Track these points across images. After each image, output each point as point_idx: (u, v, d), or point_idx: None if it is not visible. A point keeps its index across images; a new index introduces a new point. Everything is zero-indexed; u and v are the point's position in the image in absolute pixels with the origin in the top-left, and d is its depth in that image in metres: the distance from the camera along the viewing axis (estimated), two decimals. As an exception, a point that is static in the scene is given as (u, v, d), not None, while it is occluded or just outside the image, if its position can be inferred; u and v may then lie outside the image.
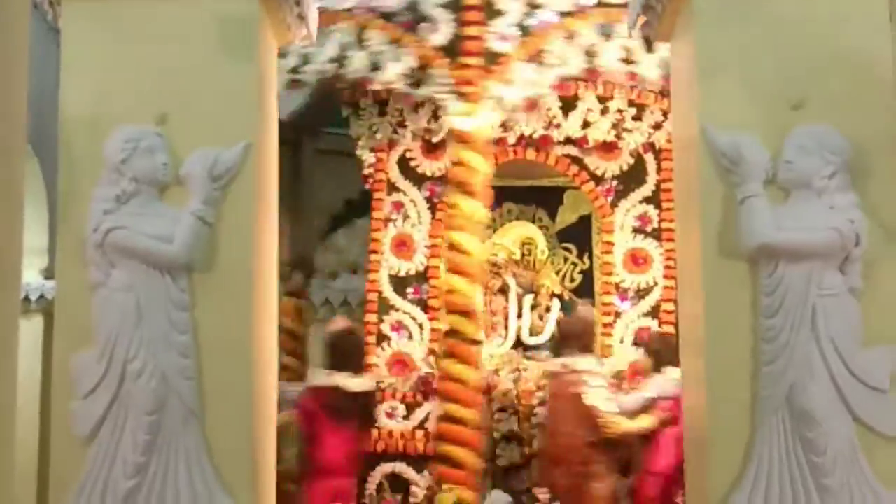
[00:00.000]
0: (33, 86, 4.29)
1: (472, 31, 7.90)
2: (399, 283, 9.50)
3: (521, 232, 10.15)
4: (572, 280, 10.26)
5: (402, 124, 9.39)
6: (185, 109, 5.79)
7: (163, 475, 5.55)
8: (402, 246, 9.54)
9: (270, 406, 6.11)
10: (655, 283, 9.40)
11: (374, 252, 9.51)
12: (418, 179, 9.64)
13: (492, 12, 8.35)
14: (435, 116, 9.22)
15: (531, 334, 9.73)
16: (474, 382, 7.93)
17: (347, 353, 7.82)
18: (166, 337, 5.59)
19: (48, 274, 9.33)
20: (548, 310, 9.83)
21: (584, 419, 7.98)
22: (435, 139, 9.38)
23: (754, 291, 5.54)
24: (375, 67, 8.43)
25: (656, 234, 9.47)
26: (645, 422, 8.09)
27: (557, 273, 10.22)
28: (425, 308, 9.44)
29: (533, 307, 9.85)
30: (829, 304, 5.50)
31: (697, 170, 5.71)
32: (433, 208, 9.58)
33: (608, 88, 9.11)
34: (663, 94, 8.86)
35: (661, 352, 8.43)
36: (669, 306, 9.18)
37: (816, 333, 5.48)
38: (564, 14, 8.21)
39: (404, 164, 9.64)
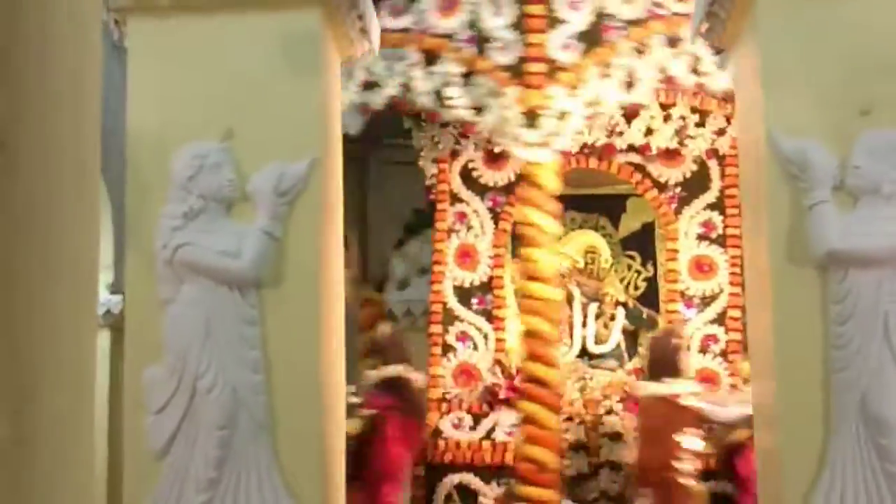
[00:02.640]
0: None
1: (535, 50, 7.71)
2: (463, 294, 9.50)
3: (585, 240, 10.14)
4: (636, 288, 10.24)
5: (463, 135, 9.40)
6: (251, 125, 5.81)
7: (234, 490, 5.57)
8: (466, 256, 9.55)
9: (339, 420, 6.12)
10: (721, 290, 9.35)
11: (438, 263, 9.53)
12: (481, 190, 9.65)
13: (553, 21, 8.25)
14: (497, 126, 9.21)
15: (596, 343, 9.70)
16: (555, 384, 7.86)
17: (400, 349, 7.89)
18: (236, 352, 5.62)
19: (114, 289, 9.41)
20: (612, 318, 9.81)
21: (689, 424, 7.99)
22: (497, 149, 9.37)
23: (824, 299, 5.50)
24: (440, 94, 8.21)
25: (721, 241, 9.43)
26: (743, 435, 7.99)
27: (622, 281, 10.20)
28: (490, 318, 9.45)
29: (598, 316, 9.83)
30: (901, 311, 5.45)
31: (764, 176, 5.67)
32: (496, 218, 9.58)
33: (671, 95, 9.06)
34: (726, 99, 8.78)
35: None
36: (736, 313, 9.13)
37: (889, 341, 5.42)
38: (632, 23, 8.04)
39: (467, 175, 9.66)
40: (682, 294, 9.47)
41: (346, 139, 6.55)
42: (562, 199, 9.77)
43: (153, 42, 5.91)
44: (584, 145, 9.31)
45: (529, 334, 7.90)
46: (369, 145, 11.75)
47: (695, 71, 7.92)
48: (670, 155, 9.43)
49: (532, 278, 7.94)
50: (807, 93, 5.66)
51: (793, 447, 5.49)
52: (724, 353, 9.11)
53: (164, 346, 5.67)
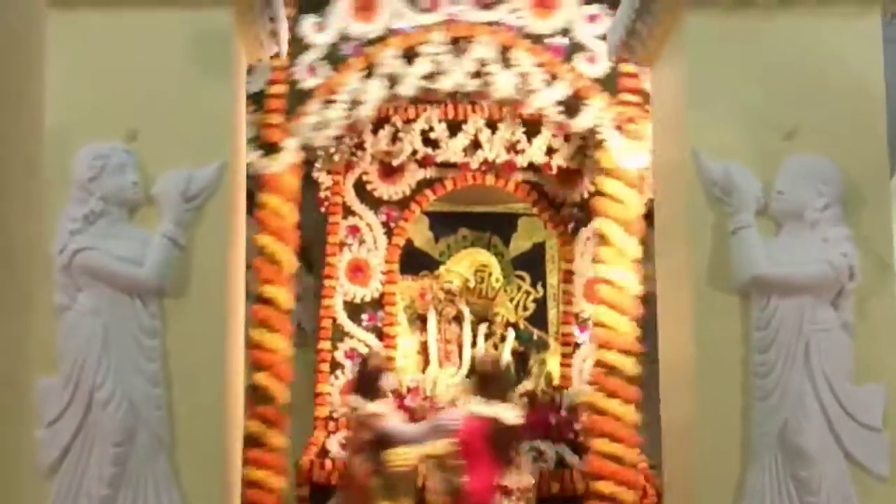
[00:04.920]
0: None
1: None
2: (354, 310, 9.30)
3: (476, 258, 9.97)
4: (525, 309, 10.10)
5: (360, 146, 9.19)
6: (157, 126, 5.59)
7: (130, 509, 5.31)
8: (358, 271, 9.35)
9: (239, 436, 5.88)
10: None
11: (329, 277, 9.30)
12: (375, 203, 9.45)
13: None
14: (394, 139, 9.04)
15: (484, 364, 9.54)
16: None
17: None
18: (135, 364, 5.38)
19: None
20: (503, 339, 9.67)
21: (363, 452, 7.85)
22: (395, 162, 9.20)
23: (745, 325, 5.42)
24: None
25: (618, 264, 9.32)
26: (437, 448, 7.94)
27: (511, 301, 10.06)
28: (380, 336, 9.25)
29: (487, 336, 9.68)
30: (822, 340, 5.40)
31: (685, 199, 5.59)
32: (390, 233, 9.40)
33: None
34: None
35: (489, 379, 8.28)
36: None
37: (809, 369, 5.37)
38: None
39: (361, 188, 9.46)
40: (577, 316, 9.37)
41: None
42: (454, 216, 9.73)
43: (67, 36, 5.63)
44: (484, 161, 9.15)
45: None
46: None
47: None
48: (569, 175, 9.32)
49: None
50: (732, 114, 5.61)
51: (709, 476, 5.40)
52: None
53: (59, 355, 5.37)
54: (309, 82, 7.78)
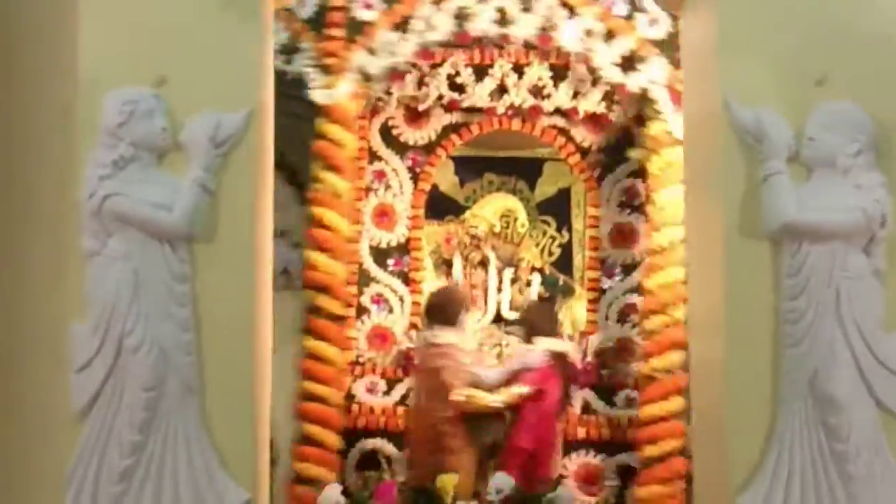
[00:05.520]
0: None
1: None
2: (380, 255, 9.27)
3: (502, 203, 9.90)
4: (551, 254, 10.06)
5: (386, 91, 9.13)
6: (185, 72, 5.57)
7: (160, 454, 5.34)
8: (384, 216, 9.31)
9: (268, 381, 5.89)
10: (642, 259, 9.22)
11: (355, 222, 9.26)
12: (401, 148, 9.40)
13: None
14: (420, 84, 8.99)
15: (511, 309, 9.53)
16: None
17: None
18: (165, 310, 5.38)
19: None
20: (528, 284, 9.64)
21: (438, 394, 8.01)
22: (421, 107, 9.15)
23: (776, 272, 5.41)
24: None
25: (643, 209, 9.28)
26: (503, 395, 8.11)
27: (537, 246, 10.02)
28: (406, 280, 9.23)
29: (513, 281, 9.65)
30: (853, 287, 5.39)
31: (717, 146, 5.56)
32: (415, 178, 9.35)
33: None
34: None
35: (536, 322, 8.55)
36: (656, 282, 9.03)
37: (840, 316, 5.36)
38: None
39: (386, 133, 9.40)
40: (603, 262, 9.33)
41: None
42: (480, 161, 9.67)
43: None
44: (510, 106, 9.10)
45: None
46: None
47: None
48: (596, 119, 9.26)
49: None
50: (763, 62, 5.57)
51: (739, 424, 5.42)
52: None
53: (89, 301, 5.38)
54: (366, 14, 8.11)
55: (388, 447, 8.55)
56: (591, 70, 8.72)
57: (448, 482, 6.02)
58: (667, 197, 8.13)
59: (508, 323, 9.38)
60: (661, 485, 7.86)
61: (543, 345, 8.12)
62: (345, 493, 6.48)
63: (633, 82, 8.16)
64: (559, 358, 8.16)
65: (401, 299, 9.14)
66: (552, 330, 8.48)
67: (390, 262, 9.22)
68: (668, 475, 7.90)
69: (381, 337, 9.02)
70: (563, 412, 8.35)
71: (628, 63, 8.23)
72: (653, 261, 8.41)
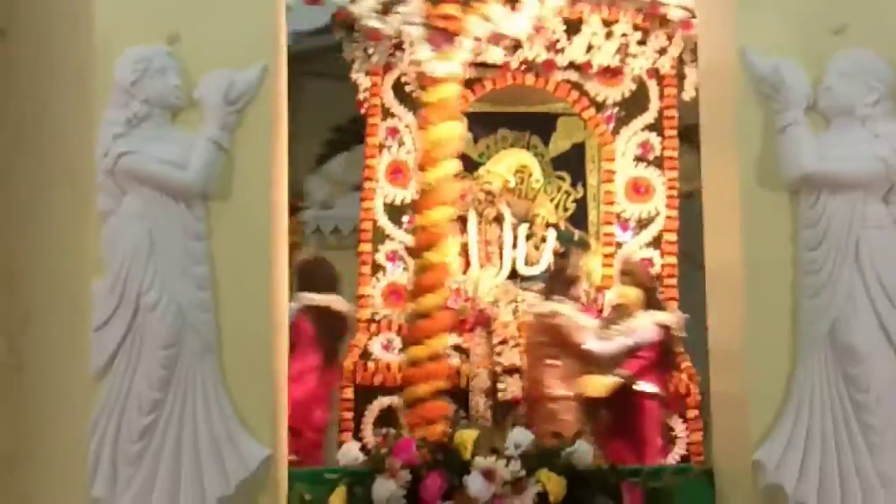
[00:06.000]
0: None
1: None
2: (394, 212, 9.24)
3: (516, 159, 9.85)
4: (566, 209, 10.03)
5: (398, 47, 9.09)
6: (197, 29, 5.53)
7: (180, 411, 5.34)
8: (398, 173, 9.27)
9: (284, 339, 5.88)
10: (658, 213, 9.18)
11: (369, 179, 9.23)
12: (413, 105, 9.36)
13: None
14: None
15: (527, 264, 9.51)
16: None
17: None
18: (181, 268, 5.37)
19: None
20: (543, 240, 9.61)
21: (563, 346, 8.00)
22: (434, 63, 9.11)
23: (795, 223, 5.39)
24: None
25: (658, 163, 9.25)
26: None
27: (552, 201, 9.98)
28: (421, 237, 9.21)
29: (528, 237, 9.61)
30: (872, 236, 5.38)
31: (732, 97, 5.53)
32: (429, 135, 9.32)
33: (613, 12, 8.84)
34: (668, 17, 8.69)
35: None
36: (672, 237, 8.98)
37: (860, 267, 5.35)
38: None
39: (399, 89, 9.36)
40: (618, 216, 9.29)
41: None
42: (493, 116, 9.62)
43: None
44: (523, 61, 9.05)
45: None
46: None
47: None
48: (609, 73, 9.20)
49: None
50: (780, 10, 5.55)
51: (758, 376, 5.41)
52: (659, 277, 8.94)
53: (106, 259, 5.38)
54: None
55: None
56: (606, 23, 8.69)
57: (467, 437, 5.98)
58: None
59: (524, 279, 9.35)
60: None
61: (653, 318, 8.00)
62: (363, 449, 6.45)
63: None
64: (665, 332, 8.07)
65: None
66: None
67: (405, 218, 9.17)
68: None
69: (396, 294, 8.99)
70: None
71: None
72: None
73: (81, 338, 5.40)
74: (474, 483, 5.79)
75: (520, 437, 6.04)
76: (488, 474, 5.81)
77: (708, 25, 6.12)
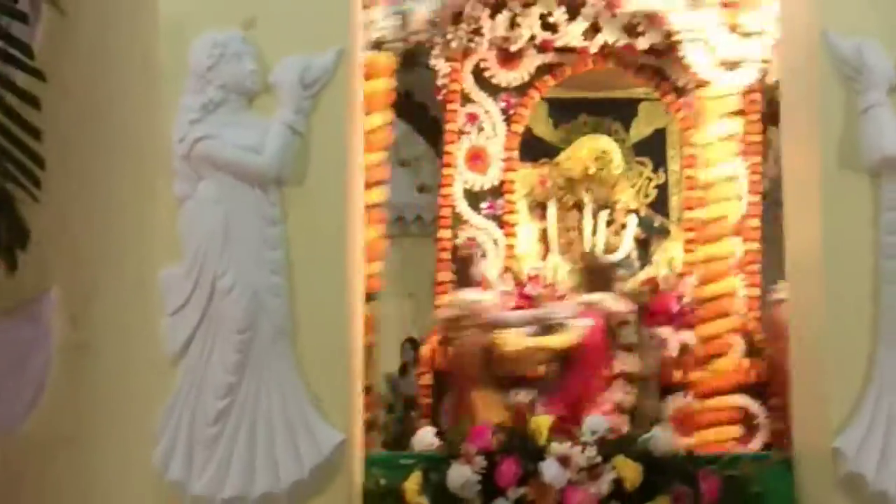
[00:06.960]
0: None
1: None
2: (473, 198, 9.22)
3: (597, 145, 9.79)
4: (647, 195, 9.96)
5: (477, 32, 9.06)
6: (273, 13, 5.55)
7: (254, 395, 5.36)
8: (477, 159, 9.25)
9: (359, 324, 5.88)
10: (740, 198, 9.08)
11: (448, 165, 9.22)
12: (493, 90, 9.32)
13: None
14: (512, 24, 8.90)
15: (606, 251, 9.45)
16: None
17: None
18: (257, 253, 5.39)
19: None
20: (624, 226, 9.55)
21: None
22: (513, 48, 9.06)
23: (876, 207, 5.30)
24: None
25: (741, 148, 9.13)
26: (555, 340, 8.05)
27: (633, 187, 9.91)
28: (500, 223, 9.17)
29: (608, 223, 9.56)
30: (955, 220, 5.25)
31: (815, 78, 5.45)
32: (508, 120, 9.27)
33: (697, -3, 8.76)
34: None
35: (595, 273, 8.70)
36: (754, 222, 8.85)
37: (941, 251, 5.24)
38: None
39: (479, 75, 9.33)
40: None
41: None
42: (573, 102, 9.56)
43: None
44: (604, 45, 8.98)
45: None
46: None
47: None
48: (688, 58, 9.10)
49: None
50: (862, -10, 5.42)
51: (839, 359, 5.34)
52: (740, 264, 8.83)
53: (181, 245, 5.41)
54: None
55: (484, 390, 8.54)
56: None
57: (542, 423, 5.95)
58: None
59: (604, 265, 9.29)
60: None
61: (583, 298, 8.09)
62: (438, 435, 6.44)
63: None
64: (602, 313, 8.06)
65: (495, 242, 9.09)
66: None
67: (484, 205, 9.14)
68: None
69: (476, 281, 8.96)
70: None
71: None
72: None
73: (150, 321, 5.44)
74: (549, 469, 5.75)
75: (595, 423, 6.00)
76: (564, 460, 5.77)
77: (790, 7, 6.03)
